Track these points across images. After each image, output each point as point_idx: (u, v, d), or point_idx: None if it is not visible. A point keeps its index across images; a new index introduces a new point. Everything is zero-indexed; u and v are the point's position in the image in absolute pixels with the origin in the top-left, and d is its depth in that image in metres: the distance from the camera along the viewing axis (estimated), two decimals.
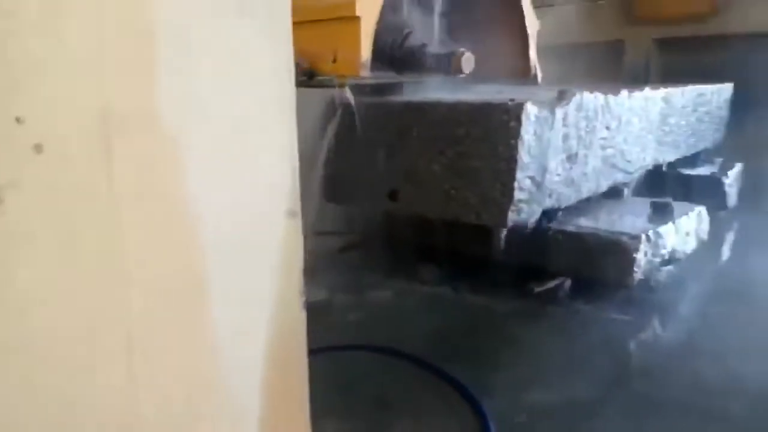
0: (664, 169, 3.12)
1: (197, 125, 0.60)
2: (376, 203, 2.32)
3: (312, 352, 1.82)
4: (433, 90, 2.22)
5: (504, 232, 2.09)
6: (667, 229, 2.15)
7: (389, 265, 2.50)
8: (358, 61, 1.71)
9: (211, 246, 0.62)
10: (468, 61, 1.96)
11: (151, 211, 0.57)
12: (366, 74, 1.75)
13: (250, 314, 0.67)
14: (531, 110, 1.86)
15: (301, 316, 0.73)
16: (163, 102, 0.56)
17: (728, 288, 2.34)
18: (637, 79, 4.52)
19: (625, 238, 2.01)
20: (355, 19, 1.71)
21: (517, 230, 2.10)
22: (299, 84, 2.08)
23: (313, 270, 2.39)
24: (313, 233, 2.56)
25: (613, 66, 4.73)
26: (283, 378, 0.74)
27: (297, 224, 0.71)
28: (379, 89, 2.10)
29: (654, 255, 2.11)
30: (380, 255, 2.66)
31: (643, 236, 2.03)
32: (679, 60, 4.48)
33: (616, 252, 2.02)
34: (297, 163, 0.69)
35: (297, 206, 0.70)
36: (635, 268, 2.02)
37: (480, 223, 2.02)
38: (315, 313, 2.10)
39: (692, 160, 3.40)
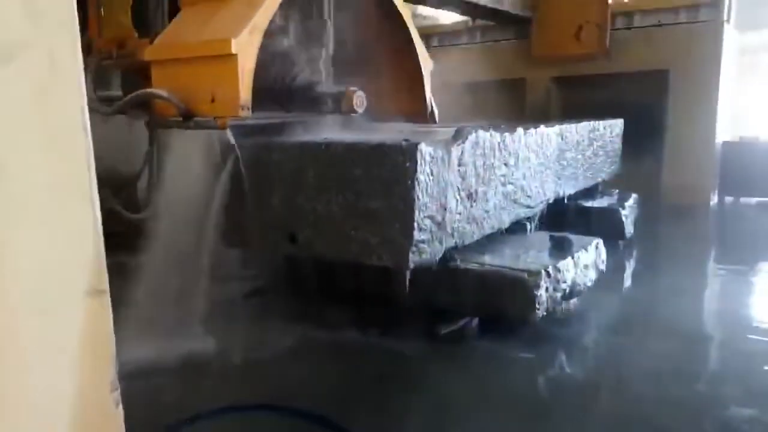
0: (565, 202, 3.21)
1: None
2: (277, 247, 2.21)
3: (210, 415, 1.67)
4: (329, 130, 2.17)
5: (408, 273, 2.03)
6: (566, 264, 2.18)
7: (295, 309, 2.38)
8: (236, 101, 1.62)
9: None
10: (360, 100, 1.92)
11: None
12: (246, 115, 1.66)
13: (45, 420, 0.55)
14: (425, 150, 1.83)
15: (115, 415, 0.60)
16: None
17: (628, 318, 2.40)
18: (539, 115, 4.73)
19: (524, 275, 2.01)
20: (232, 57, 1.63)
21: (422, 270, 2.06)
22: (175, 125, 1.97)
23: (215, 319, 2.24)
24: (216, 279, 2.41)
25: (517, 103, 4.93)
26: None
27: (103, 303, 0.60)
28: (272, 129, 2.01)
29: (555, 290, 2.12)
30: (286, 299, 2.53)
31: (543, 272, 2.04)
32: (577, 96, 4.73)
33: (517, 289, 2.01)
34: (101, 235, 0.59)
35: (103, 284, 0.59)
36: (537, 304, 2.02)
37: (382, 265, 1.96)
38: (215, 367, 1.96)
39: (591, 192, 3.55)
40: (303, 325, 2.24)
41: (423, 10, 5.14)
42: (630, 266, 3.08)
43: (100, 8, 2.27)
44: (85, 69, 2.22)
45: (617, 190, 3.70)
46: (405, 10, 2.23)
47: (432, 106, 2.47)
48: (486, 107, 4.53)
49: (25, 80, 0.52)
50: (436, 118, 2.52)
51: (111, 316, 0.61)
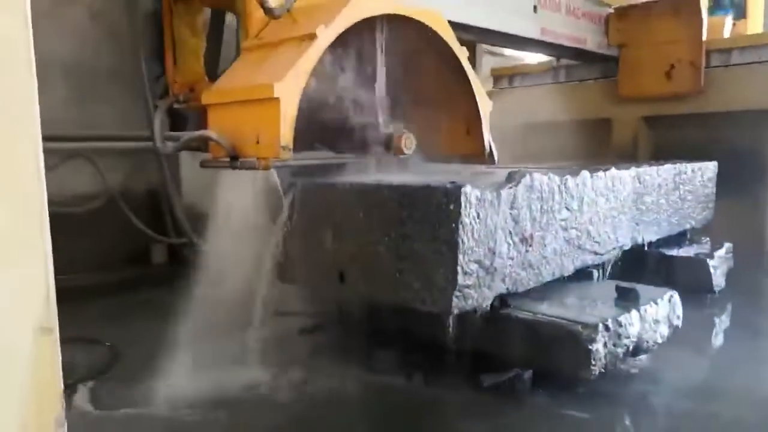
0: (645, 249, 2.99)
1: None
2: (327, 285, 2.23)
3: None
4: (382, 171, 2.17)
5: (452, 318, 1.96)
6: (629, 317, 2.01)
7: (344, 349, 2.38)
8: (278, 142, 1.68)
9: None
10: (409, 142, 1.91)
11: None
12: (286, 156, 1.71)
13: None
14: (471, 193, 1.79)
15: None
16: None
17: (703, 381, 2.15)
18: (626, 157, 4.48)
19: (578, 328, 1.88)
20: (275, 101, 1.70)
21: (470, 315, 1.98)
22: (224, 165, 2.07)
23: (265, 354, 2.28)
24: (277, 314, 2.47)
25: (602, 144, 4.70)
26: None
27: (51, 341, 0.62)
28: (321, 170, 2.06)
29: (616, 345, 1.96)
30: (337, 337, 2.54)
31: (601, 325, 1.89)
32: (668, 137, 4.43)
33: (569, 342, 1.88)
34: (52, 273, 0.61)
35: (51, 322, 0.62)
36: (593, 360, 1.87)
37: (426, 309, 1.91)
38: (254, 406, 1.98)
39: (678, 239, 3.28)
40: (350, 366, 2.23)
41: (506, 49, 5.11)
42: (716, 323, 2.78)
43: (175, 56, 2.48)
44: (156, 110, 2.39)
45: (708, 239, 3.39)
46: (461, 52, 2.23)
47: (491, 147, 2.42)
48: (568, 148, 4.36)
49: None
50: (496, 160, 2.46)
51: (59, 353, 0.64)
